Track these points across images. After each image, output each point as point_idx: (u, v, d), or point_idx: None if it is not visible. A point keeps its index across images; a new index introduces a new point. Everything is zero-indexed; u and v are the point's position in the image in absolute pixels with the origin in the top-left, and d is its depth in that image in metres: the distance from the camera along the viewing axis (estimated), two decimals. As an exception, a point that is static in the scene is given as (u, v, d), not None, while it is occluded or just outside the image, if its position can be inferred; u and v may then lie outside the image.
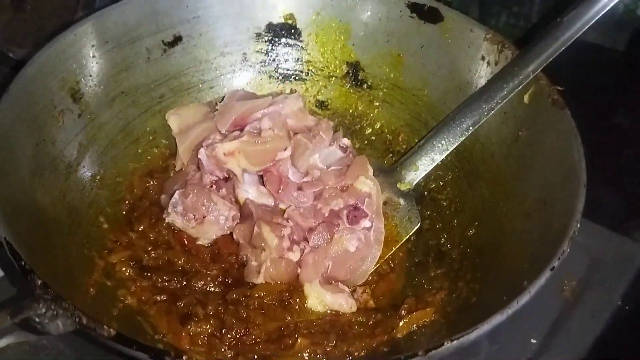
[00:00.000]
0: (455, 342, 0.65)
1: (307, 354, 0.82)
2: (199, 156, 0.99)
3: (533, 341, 0.93)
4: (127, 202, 1.02)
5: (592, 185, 0.82)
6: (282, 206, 0.98)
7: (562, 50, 0.92)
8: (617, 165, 1.18)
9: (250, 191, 0.98)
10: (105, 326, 0.61)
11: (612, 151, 1.18)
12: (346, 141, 1.01)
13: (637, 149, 1.23)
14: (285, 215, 0.94)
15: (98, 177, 0.99)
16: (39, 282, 0.64)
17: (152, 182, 1.04)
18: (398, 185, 1.01)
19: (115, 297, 0.86)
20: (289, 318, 0.87)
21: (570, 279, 0.99)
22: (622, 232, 1.05)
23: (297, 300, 0.90)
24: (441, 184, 1.06)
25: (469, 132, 0.98)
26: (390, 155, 1.14)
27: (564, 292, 0.98)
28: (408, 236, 0.99)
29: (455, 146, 0.99)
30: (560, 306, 0.96)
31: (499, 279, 0.85)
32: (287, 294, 0.91)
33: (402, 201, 1.00)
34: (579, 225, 0.77)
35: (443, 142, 0.99)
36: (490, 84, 0.98)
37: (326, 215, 0.95)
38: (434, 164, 1.01)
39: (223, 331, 0.84)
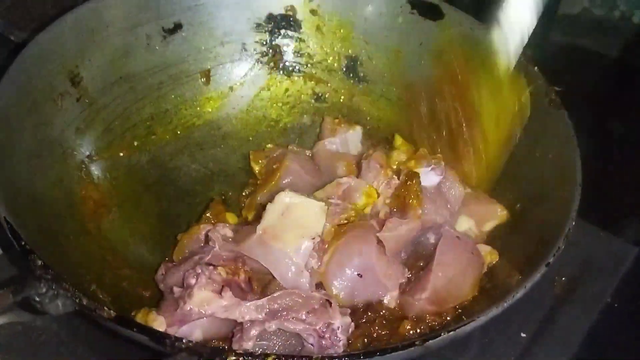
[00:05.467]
0: (452, 333, 0.66)
1: None
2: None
3: (523, 335, 0.94)
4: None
5: (585, 186, 0.84)
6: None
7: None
8: (610, 168, 1.20)
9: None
10: (105, 307, 0.61)
11: (605, 155, 1.20)
12: None
13: (629, 153, 1.25)
14: None
15: (94, 163, 0.99)
16: (40, 262, 0.64)
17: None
18: None
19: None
20: None
21: (561, 276, 1.00)
22: (614, 231, 1.06)
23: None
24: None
25: None
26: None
27: (555, 288, 0.99)
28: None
29: None
30: (550, 302, 0.97)
31: (495, 275, 0.86)
32: None
33: None
34: (573, 223, 0.79)
35: None
36: None
37: None
38: None
39: None
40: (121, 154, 1.04)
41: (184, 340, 0.58)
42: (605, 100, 1.33)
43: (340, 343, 0.74)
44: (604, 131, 1.28)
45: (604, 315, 0.96)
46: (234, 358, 0.57)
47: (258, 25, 1.15)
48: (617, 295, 0.98)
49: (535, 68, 0.98)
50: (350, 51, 1.16)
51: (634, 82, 1.35)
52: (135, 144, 1.06)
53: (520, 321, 0.94)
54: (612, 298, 0.98)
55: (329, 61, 1.18)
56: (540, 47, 1.36)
